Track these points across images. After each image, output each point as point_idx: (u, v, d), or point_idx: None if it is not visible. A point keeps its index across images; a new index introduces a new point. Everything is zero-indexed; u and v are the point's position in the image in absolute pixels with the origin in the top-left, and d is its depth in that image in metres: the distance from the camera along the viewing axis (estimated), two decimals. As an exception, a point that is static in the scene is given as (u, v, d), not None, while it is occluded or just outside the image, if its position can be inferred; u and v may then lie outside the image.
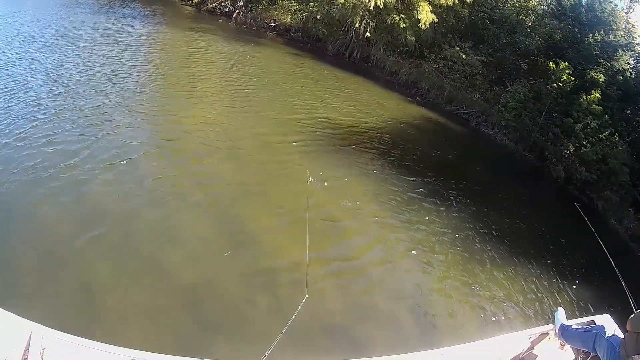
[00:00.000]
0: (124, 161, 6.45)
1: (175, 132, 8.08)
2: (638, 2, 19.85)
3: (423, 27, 14.95)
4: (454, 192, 9.49)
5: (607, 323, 3.32)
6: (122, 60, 11.34)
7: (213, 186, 6.73)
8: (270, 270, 5.18)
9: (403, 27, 15.24)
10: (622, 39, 17.08)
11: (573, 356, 3.18)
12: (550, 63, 15.18)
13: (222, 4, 18.08)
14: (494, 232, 8.33)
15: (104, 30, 14.20)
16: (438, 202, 8.63)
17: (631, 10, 19.62)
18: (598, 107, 14.94)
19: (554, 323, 3.04)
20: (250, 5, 17.73)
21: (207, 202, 6.18)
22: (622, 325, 2.67)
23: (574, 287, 7.54)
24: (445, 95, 14.86)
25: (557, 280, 7.62)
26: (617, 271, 3.13)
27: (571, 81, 15.27)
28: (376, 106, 14.31)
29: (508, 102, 14.88)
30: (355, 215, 7.13)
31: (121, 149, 6.76)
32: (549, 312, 6.38)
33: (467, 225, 8.12)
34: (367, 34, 15.46)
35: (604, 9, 17.60)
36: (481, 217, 8.75)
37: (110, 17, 15.84)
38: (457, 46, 15.18)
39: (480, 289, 6.33)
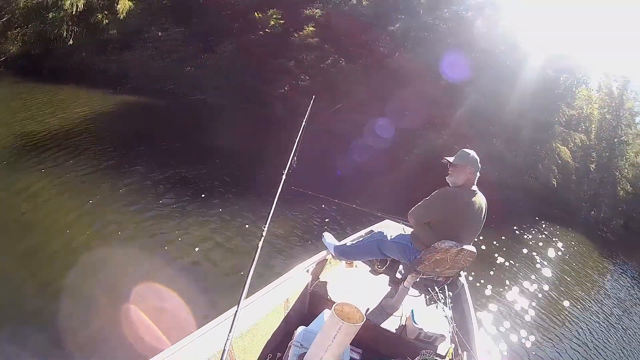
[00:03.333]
0: None
1: None
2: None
3: (121, 16, 14.49)
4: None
5: (389, 227, 3.50)
6: None
7: None
8: None
9: (106, 22, 14.77)
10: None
11: (368, 267, 3.26)
12: (256, 13, 14.55)
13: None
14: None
15: None
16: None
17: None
18: (314, 40, 14.23)
19: (326, 248, 2.99)
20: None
21: None
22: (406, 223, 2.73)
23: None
24: (153, 77, 14.04)
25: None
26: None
27: (281, 24, 14.59)
28: (77, 108, 13.42)
29: (216, 63, 14.08)
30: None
31: None
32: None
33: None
34: (71, 41, 14.92)
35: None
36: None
37: None
38: (153, 26, 14.59)
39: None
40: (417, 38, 15.05)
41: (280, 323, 2.41)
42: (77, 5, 14.97)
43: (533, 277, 7.39)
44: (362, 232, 3.54)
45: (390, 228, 3.33)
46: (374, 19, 14.95)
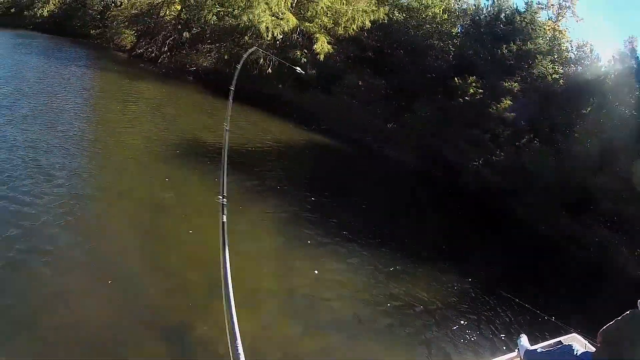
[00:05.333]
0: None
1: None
2: (569, 8, 19.18)
3: (320, 57, 15.04)
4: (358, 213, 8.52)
5: (576, 341, 3.49)
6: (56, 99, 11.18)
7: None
8: None
9: (304, 61, 15.39)
10: (543, 46, 16.34)
11: None
12: (455, 79, 14.61)
13: (149, 49, 19.05)
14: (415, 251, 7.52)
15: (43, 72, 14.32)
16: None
17: (560, 18, 18.91)
18: (511, 115, 14.14)
19: (518, 350, 3.12)
20: (174, 51, 18.67)
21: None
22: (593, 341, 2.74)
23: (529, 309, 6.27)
24: (348, 124, 14.47)
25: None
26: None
27: (480, 93, 14.61)
28: (268, 134, 13.86)
29: (414, 123, 14.32)
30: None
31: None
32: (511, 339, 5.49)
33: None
34: (269, 70, 15.68)
35: (522, 19, 17.12)
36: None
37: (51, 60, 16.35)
38: (355, 73, 15.00)
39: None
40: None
41: None
42: (272, 31, 15.60)
43: None
44: (551, 342, 3.59)
45: (577, 343, 3.34)
46: (568, 100, 14.62)
